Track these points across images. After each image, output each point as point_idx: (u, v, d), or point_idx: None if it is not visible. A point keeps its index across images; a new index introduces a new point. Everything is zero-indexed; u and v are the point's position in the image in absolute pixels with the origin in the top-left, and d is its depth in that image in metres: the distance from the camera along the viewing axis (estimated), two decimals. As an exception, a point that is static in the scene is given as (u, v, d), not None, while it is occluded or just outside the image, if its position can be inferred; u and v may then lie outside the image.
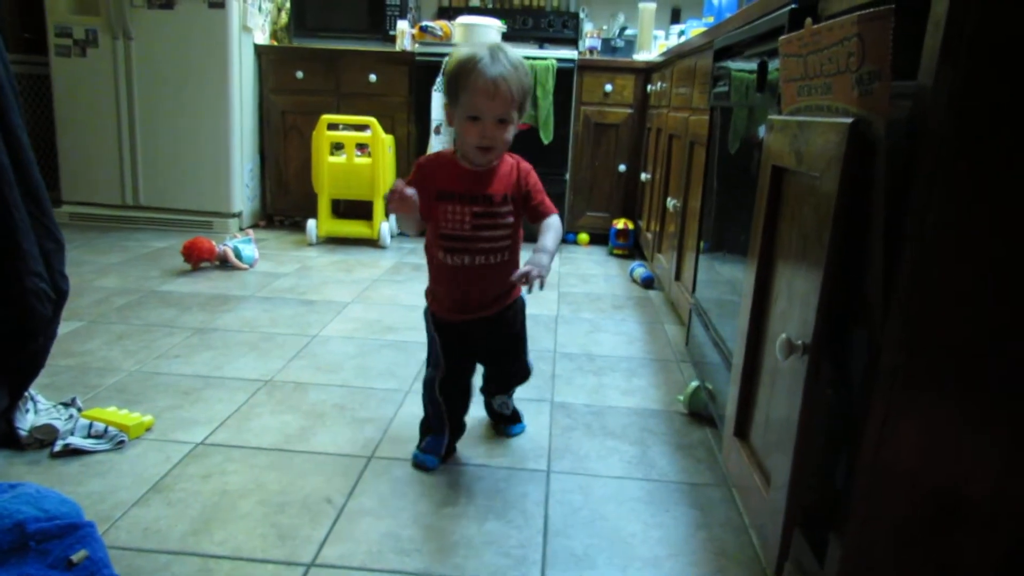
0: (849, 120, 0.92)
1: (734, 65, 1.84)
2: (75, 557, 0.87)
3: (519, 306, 1.61)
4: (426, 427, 1.62)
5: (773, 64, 1.46)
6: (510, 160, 1.51)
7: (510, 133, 1.42)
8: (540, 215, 1.51)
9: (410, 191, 1.34)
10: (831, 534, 1.07)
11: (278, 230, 4.12)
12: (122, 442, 1.58)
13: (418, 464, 1.57)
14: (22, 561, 0.83)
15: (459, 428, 1.63)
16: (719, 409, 1.64)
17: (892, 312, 0.93)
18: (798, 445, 1.02)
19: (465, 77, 1.37)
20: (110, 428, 1.58)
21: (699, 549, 1.34)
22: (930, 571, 1.02)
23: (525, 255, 1.48)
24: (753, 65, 1.61)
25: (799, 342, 1.03)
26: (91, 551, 0.90)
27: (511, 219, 1.49)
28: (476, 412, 1.74)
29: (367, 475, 1.52)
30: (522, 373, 1.72)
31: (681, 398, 1.93)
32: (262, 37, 4.00)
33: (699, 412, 1.88)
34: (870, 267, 0.95)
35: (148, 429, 1.66)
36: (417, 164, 1.49)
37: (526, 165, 1.51)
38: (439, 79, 3.74)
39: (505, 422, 1.77)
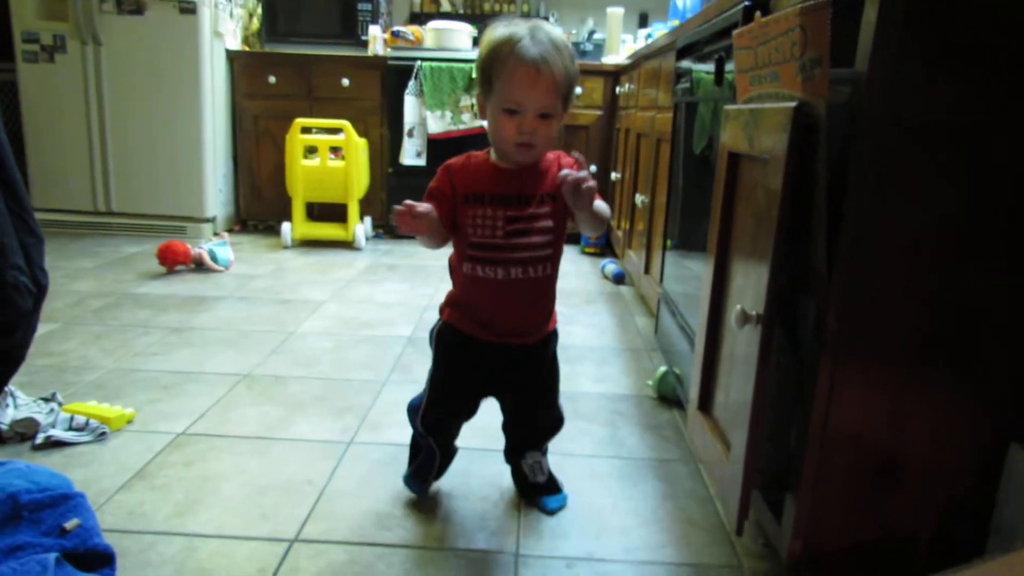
0: (793, 104, 1.00)
1: (694, 63, 1.92)
2: (68, 525, 0.92)
3: (555, 337, 1.39)
4: (413, 448, 1.45)
5: (729, 65, 1.54)
6: (550, 155, 1.28)
7: (555, 128, 1.21)
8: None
9: (424, 207, 1.14)
10: (787, 495, 1.14)
11: (252, 234, 4.14)
12: (104, 434, 1.61)
13: (407, 487, 1.44)
14: (16, 530, 0.87)
15: (449, 455, 1.45)
16: (686, 391, 1.71)
17: (834, 283, 1.01)
18: (754, 407, 1.09)
19: (501, 62, 1.16)
20: (91, 421, 1.61)
21: (666, 518, 1.40)
22: (873, 526, 1.09)
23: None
24: (711, 64, 1.69)
25: (753, 312, 1.10)
26: (83, 519, 0.94)
27: (550, 222, 1.25)
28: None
29: (347, 459, 1.57)
30: (554, 422, 1.44)
31: (650, 383, 2.00)
32: (234, 42, 4.03)
33: (667, 396, 1.95)
34: (815, 241, 1.02)
35: (129, 421, 1.69)
36: (444, 167, 1.27)
37: (568, 159, 1.28)
38: (412, 83, 3.80)
39: (540, 492, 1.43)
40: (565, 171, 1.17)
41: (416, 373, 2.07)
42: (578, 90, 3.93)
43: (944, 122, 0.94)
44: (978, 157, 0.95)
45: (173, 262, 3.08)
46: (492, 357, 1.31)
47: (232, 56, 3.98)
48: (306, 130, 3.67)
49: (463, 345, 1.30)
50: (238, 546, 1.26)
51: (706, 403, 1.43)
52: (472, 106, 3.74)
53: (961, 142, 0.95)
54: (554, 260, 1.29)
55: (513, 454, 1.46)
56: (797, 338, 1.12)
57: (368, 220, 4.02)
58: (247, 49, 4.14)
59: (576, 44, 4.28)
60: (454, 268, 1.32)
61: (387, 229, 4.14)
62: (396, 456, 1.59)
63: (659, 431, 1.77)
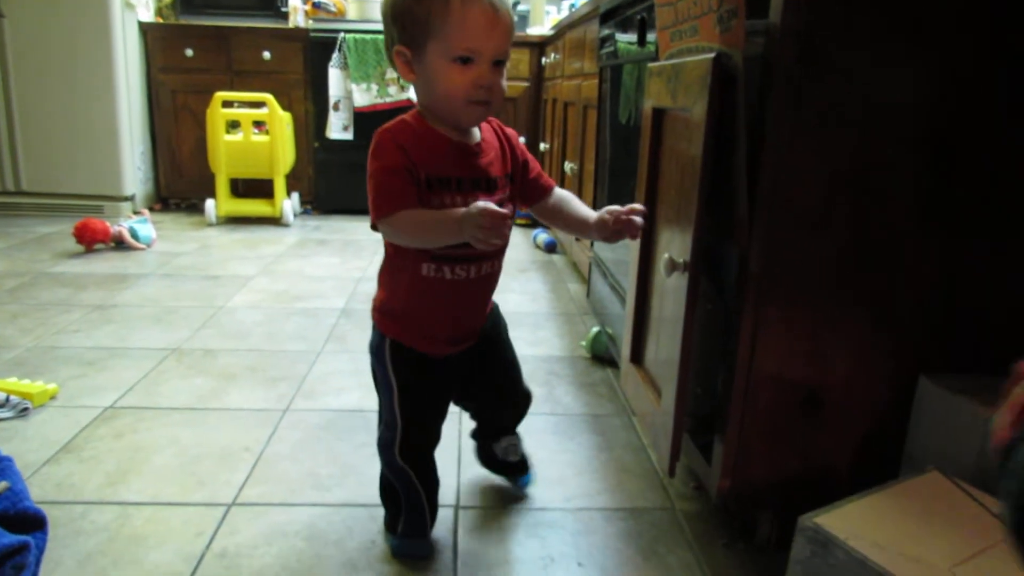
0: (712, 55, 1.03)
1: (617, 27, 1.95)
2: (-3, 488, 0.89)
3: (497, 310, 1.24)
4: (391, 502, 1.20)
5: (652, 33, 1.58)
6: (486, 124, 1.10)
7: (504, 79, 1.02)
8: (545, 190, 1.15)
9: (503, 211, 0.91)
10: (715, 436, 1.19)
11: (174, 212, 4.02)
12: (26, 409, 1.55)
13: (404, 554, 1.16)
14: (-58, 494, 0.85)
15: (434, 490, 1.20)
16: (619, 350, 1.76)
17: (754, 229, 1.05)
18: (683, 349, 1.13)
19: (442, 5, 0.94)
20: (12, 397, 1.56)
21: (602, 468, 1.44)
22: (796, 459, 1.15)
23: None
24: (634, 28, 1.72)
25: (680, 260, 1.14)
26: (11, 483, 0.92)
27: (510, 205, 1.10)
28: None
29: (283, 425, 1.56)
30: (525, 400, 1.32)
31: (584, 343, 2.04)
32: (147, 14, 3.87)
33: (600, 356, 2.00)
34: (736, 190, 1.07)
35: (53, 397, 1.64)
36: (388, 137, 1.01)
37: (509, 129, 1.14)
38: (335, 55, 3.73)
39: (513, 472, 1.36)
40: (616, 213, 1.07)
41: (351, 343, 2.07)
42: (505, 62, 3.93)
43: (855, 69, 0.99)
44: (889, 102, 1.00)
45: (91, 240, 2.97)
46: (457, 366, 1.15)
47: (145, 28, 3.83)
48: (227, 104, 3.57)
49: (428, 366, 1.12)
50: (174, 512, 1.24)
51: (638, 355, 1.48)
52: (399, 78, 3.70)
53: (873, 87, 1.00)
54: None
55: (486, 438, 1.35)
56: (723, 286, 1.17)
57: (296, 196, 3.95)
58: (161, 21, 3.99)
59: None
60: (395, 271, 1.10)
61: (315, 204, 4.07)
62: (333, 421, 1.59)
63: (593, 388, 1.81)
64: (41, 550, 0.95)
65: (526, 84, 3.99)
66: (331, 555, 1.15)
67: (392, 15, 1.00)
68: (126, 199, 3.77)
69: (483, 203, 0.89)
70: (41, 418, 1.55)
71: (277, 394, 1.72)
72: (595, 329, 2.01)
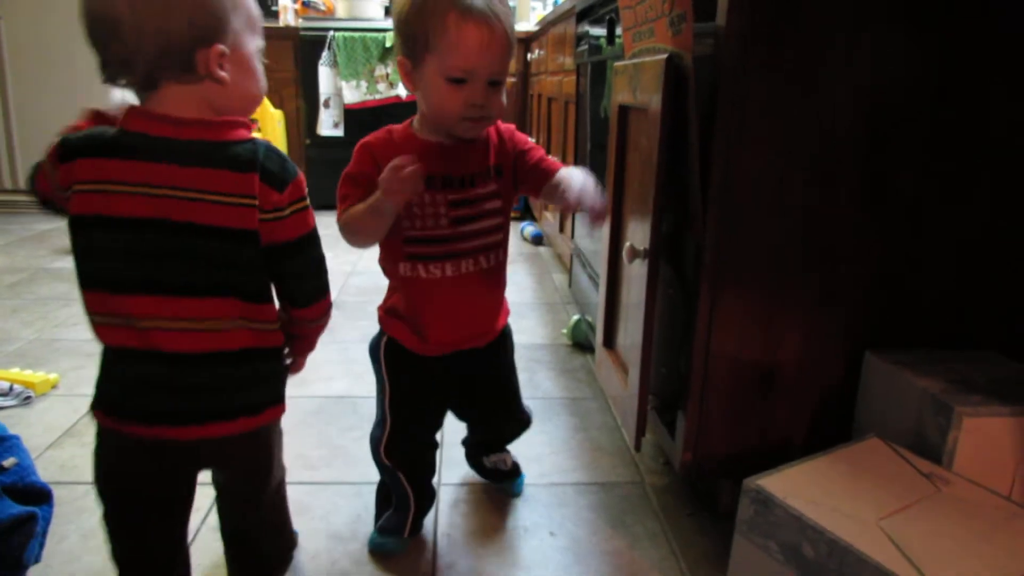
0: (664, 56, 1.11)
1: (592, 25, 2.03)
2: (5, 463, 0.97)
3: (510, 331, 1.23)
4: (382, 498, 1.23)
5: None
6: None
7: (502, 98, 1.02)
8: (547, 173, 1.07)
9: (412, 165, 0.90)
10: (679, 413, 1.27)
11: (169, 210, 4.09)
12: (29, 398, 1.63)
13: (376, 550, 1.18)
14: (-44, 469, 0.92)
15: (426, 496, 1.20)
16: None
17: (708, 219, 1.13)
18: (645, 329, 1.21)
19: (439, 18, 0.93)
20: (15, 386, 1.63)
21: (577, 447, 1.52)
22: (753, 433, 1.23)
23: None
24: (605, 25, 1.80)
25: (641, 248, 1.22)
26: (19, 459, 1.00)
27: (499, 202, 1.09)
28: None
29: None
30: (522, 422, 1.31)
31: (565, 331, 2.12)
32: (140, 14, 3.93)
33: (581, 342, 2.08)
34: (691, 182, 1.14)
35: (54, 386, 1.72)
36: (362, 145, 1.04)
37: (507, 125, 1.12)
38: (325, 53, 3.80)
39: (503, 478, 1.36)
40: (576, 191, 0.99)
41: (341, 334, 2.14)
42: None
43: (794, 68, 1.06)
44: (828, 97, 1.08)
45: (88, 238, 3.03)
46: (447, 370, 1.14)
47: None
48: (220, 102, 3.63)
49: (414, 363, 1.11)
50: (172, 490, 1.32)
51: (610, 340, 1.56)
52: (388, 75, 3.77)
53: (813, 84, 1.07)
54: (505, 244, 1.12)
55: (475, 448, 1.37)
56: (684, 273, 1.25)
57: (290, 192, 4.01)
58: (154, 21, 4.04)
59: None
60: (387, 273, 1.11)
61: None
62: (323, 407, 1.67)
63: (573, 374, 1.89)
64: (47, 521, 1.03)
65: (513, 79, 4.05)
66: (318, 528, 1.23)
67: (396, 25, 1.01)
68: (121, 197, 3.83)
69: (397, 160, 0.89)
70: (44, 406, 1.63)
71: (269, 382, 1.79)
72: (575, 317, 2.09)
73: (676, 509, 1.31)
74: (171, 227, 0.80)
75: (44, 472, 1.35)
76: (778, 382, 1.21)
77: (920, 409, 1.05)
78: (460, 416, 1.28)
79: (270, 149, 0.84)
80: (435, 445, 1.21)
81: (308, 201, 0.87)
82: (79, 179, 0.80)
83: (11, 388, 1.63)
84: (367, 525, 1.24)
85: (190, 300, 0.82)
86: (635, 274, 1.29)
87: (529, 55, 3.91)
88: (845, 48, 1.06)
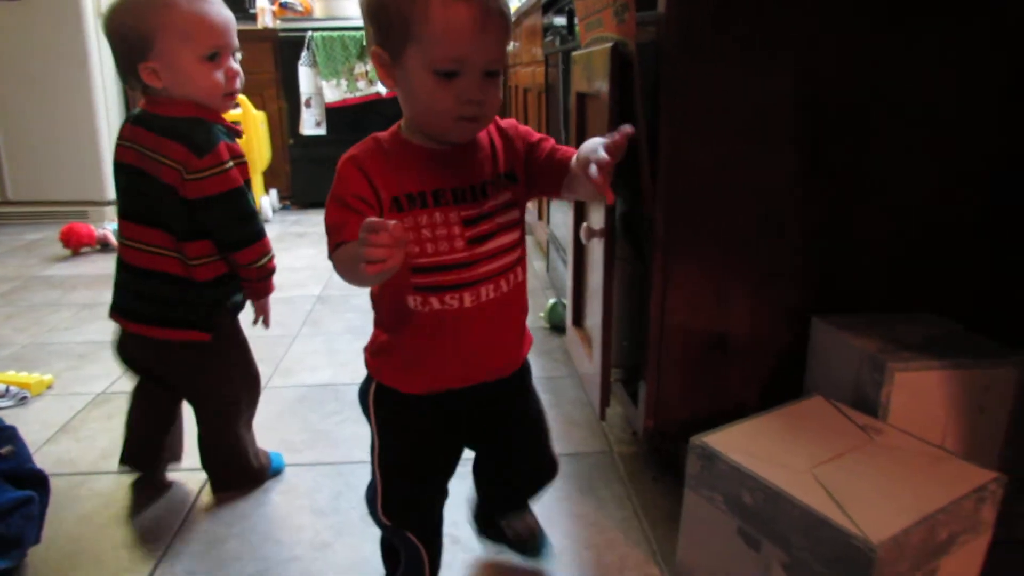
0: (610, 44, 1.17)
1: (555, 16, 2.09)
2: (3, 451, 1.04)
3: (529, 365, 1.06)
4: (389, 552, 1.09)
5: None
6: None
7: (499, 91, 0.85)
8: (565, 160, 0.91)
9: (392, 223, 0.68)
10: (640, 382, 1.34)
11: (157, 214, 4.15)
12: (25, 398, 1.70)
13: None
14: (-43, 458, 0.99)
15: (438, 550, 1.04)
16: (569, 316, 1.91)
17: (658, 196, 1.20)
18: (604, 302, 1.28)
19: (423, 4, 0.78)
20: (12, 387, 1.70)
21: (551, 421, 1.58)
22: (709, 398, 1.30)
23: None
24: (565, 15, 1.86)
25: (597, 228, 1.29)
26: (16, 447, 1.06)
27: (516, 213, 0.92)
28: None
29: (262, 400, 1.70)
30: (551, 467, 1.11)
31: (543, 315, 2.19)
32: (120, 22, 3.98)
33: (558, 325, 2.15)
34: (641, 162, 1.21)
35: (49, 387, 1.78)
36: (348, 161, 0.86)
37: (507, 120, 0.96)
38: (304, 53, 3.85)
39: (526, 547, 1.16)
40: (597, 151, 0.79)
41: (325, 326, 2.21)
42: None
43: (728, 52, 1.13)
44: (765, 78, 1.14)
45: (78, 244, 3.10)
46: (458, 409, 0.96)
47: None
48: (203, 106, 3.69)
49: (416, 411, 0.94)
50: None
51: (578, 319, 1.63)
52: (367, 73, 3.83)
53: (751, 66, 1.13)
54: (524, 259, 0.95)
55: (487, 515, 1.17)
56: (641, 250, 1.32)
57: (274, 192, 4.08)
58: (134, 28, 4.09)
59: None
60: (381, 304, 0.94)
61: (293, 199, 4.20)
62: (306, 395, 1.74)
63: (549, 355, 1.97)
64: (44, 504, 1.10)
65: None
66: (302, 504, 1.31)
67: (367, 10, 0.84)
68: (109, 203, 3.89)
69: (373, 219, 0.68)
70: (39, 405, 1.70)
71: (256, 374, 1.86)
72: (552, 301, 2.16)
73: (641, 474, 1.38)
74: (135, 171, 1.17)
75: (42, 465, 1.40)
76: (731, 349, 1.28)
77: (859, 367, 1.12)
78: (479, 467, 1.11)
79: (201, 125, 1.15)
80: (446, 494, 1.02)
81: (227, 167, 1.16)
82: (119, 137, 1.21)
83: (7, 390, 1.69)
84: (348, 501, 1.31)
85: (140, 227, 1.18)
86: (595, 253, 1.36)
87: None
88: (781, 33, 1.13)
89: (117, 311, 1.26)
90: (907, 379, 1.07)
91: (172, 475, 1.40)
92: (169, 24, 1.12)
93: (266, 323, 1.36)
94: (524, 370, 1.04)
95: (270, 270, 1.27)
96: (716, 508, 1.01)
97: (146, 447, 1.37)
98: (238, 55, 1.24)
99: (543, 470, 1.11)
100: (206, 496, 1.33)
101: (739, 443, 1.02)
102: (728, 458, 0.99)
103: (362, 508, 1.28)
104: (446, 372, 0.92)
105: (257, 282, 1.27)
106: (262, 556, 1.17)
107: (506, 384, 0.98)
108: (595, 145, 0.80)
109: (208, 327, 1.24)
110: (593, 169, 0.78)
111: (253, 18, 4.08)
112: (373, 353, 0.96)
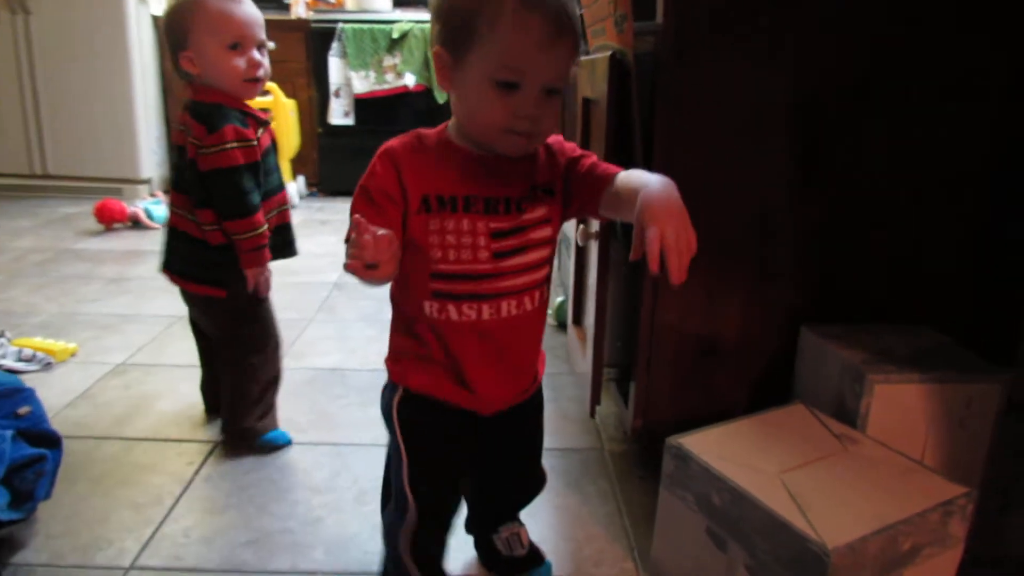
0: (609, 53, 1.21)
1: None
2: (21, 411, 1.11)
3: (541, 388, 1.04)
4: None
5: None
6: None
7: (557, 111, 0.83)
8: (606, 177, 0.88)
9: (382, 231, 0.70)
10: (631, 382, 1.38)
11: (189, 195, 4.26)
12: (49, 364, 1.78)
13: None
14: (-23, 415, 1.06)
15: None
16: (575, 314, 1.95)
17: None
18: (597, 305, 1.32)
19: (495, 8, 0.76)
20: (38, 353, 1.78)
21: (546, 416, 1.63)
22: (698, 400, 1.33)
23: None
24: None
25: (593, 230, 1.33)
26: (33, 408, 1.14)
27: (549, 230, 0.89)
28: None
29: (271, 379, 1.78)
30: (537, 482, 1.12)
31: (550, 312, 2.24)
32: (159, 8, 4.08)
33: (564, 323, 2.18)
34: (635, 164, 1.25)
35: (73, 355, 1.87)
36: (384, 152, 0.85)
37: (554, 136, 0.91)
38: (335, 44, 3.92)
39: (521, 568, 1.12)
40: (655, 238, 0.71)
41: (340, 313, 2.27)
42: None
43: (722, 60, 1.16)
44: (759, 88, 1.17)
45: (110, 219, 3.21)
46: (477, 429, 0.94)
47: (158, 21, 4.04)
48: (237, 92, 3.78)
49: (442, 415, 0.91)
50: (170, 447, 1.46)
51: (578, 318, 1.67)
52: (395, 66, 3.88)
53: (742, 74, 1.16)
54: (550, 279, 0.93)
55: (481, 527, 1.13)
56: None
57: (301, 179, 4.16)
58: (176, 13, 4.20)
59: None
60: (399, 306, 0.91)
61: (320, 187, 4.28)
62: (315, 378, 1.80)
63: (552, 351, 2.01)
64: (57, 463, 1.17)
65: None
66: (299, 481, 1.37)
67: (437, 8, 0.83)
68: (143, 182, 4.00)
69: (359, 218, 0.70)
70: (62, 371, 1.78)
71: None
72: (559, 299, 2.21)
73: (628, 472, 1.42)
74: (178, 148, 1.40)
75: (60, 428, 1.47)
76: (720, 353, 1.31)
77: (841, 378, 1.15)
78: (482, 478, 1.06)
79: (219, 110, 1.33)
80: (451, 528, 1.01)
81: (227, 147, 1.31)
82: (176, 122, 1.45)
83: (34, 355, 1.78)
84: (344, 480, 1.37)
85: (175, 193, 1.41)
86: (592, 255, 1.40)
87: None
88: (773, 45, 1.16)
89: (163, 264, 1.45)
90: (886, 391, 1.09)
91: (179, 447, 1.47)
92: (200, 19, 1.32)
93: (258, 292, 1.42)
94: (537, 396, 1.02)
95: (257, 245, 1.38)
96: (688, 507, 1.05)
97: (211, 387, 1.57)
98: (265, 48, 1.40)
99: (530, 486, 1.11)
100: (209, 467, 1.40)
101: (713, 445, 1.06)
102: (700, 459, 1.02)
103: (356, 487, 1.34)
104: (459, 379, 0.89)
105: (245, 252, 1.37)
106: (256, 526, 1.23)
107: (517, 410, 0.96)
108: (656, 210, 0.73)
109: (222, 285, 1.40)
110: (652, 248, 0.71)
111: (287, 8, 4.16)
112: (395, 360, 0.93)
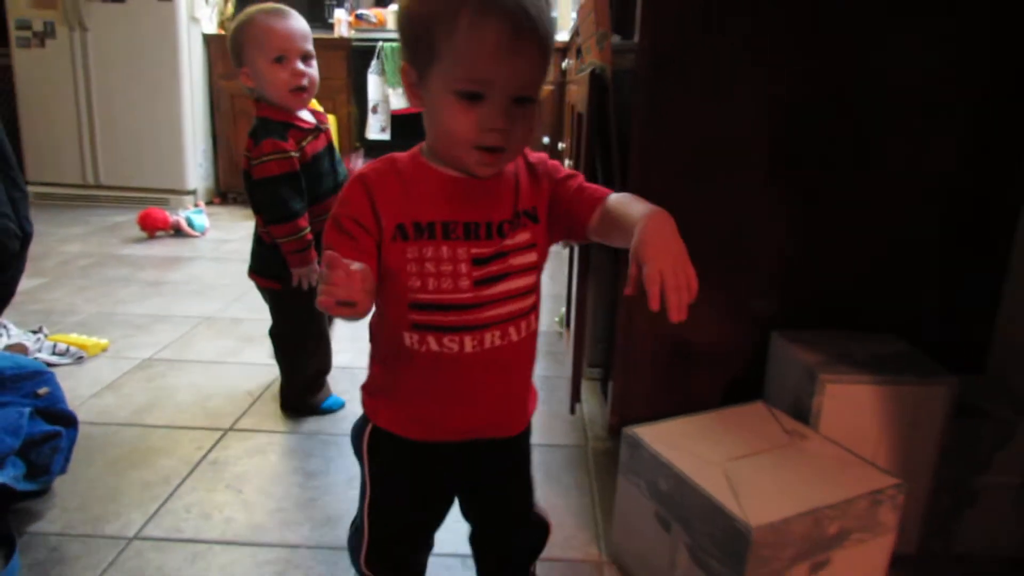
0: (590, 70, 1.29)
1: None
2: (40, 391, 1.23)
3: (530, 426, 0.97)
4: None
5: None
6: None
7: (534, 120, 0.77)
8: (593, 200, 0.83)
9: (356, 266, 0.67)
10: (610, 381, 1.44)
11: (231, 206, 4.44)
12: (81, 358, 1.93)
13: None
14: (1, 393, 1.18)
15: None
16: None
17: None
18: (577, 306, 1.39)
19: (449, 12, 0.72)
20: (72, 347, 1.93)
21: (536, 414, 1.71)
22: (672, 399, 1.38)
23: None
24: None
25: (574, 235, 1.40)
26: (51, 389, 1.26)
27: (534, 255, 0.84)
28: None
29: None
30: (538, 532, 1.03)
31: (557, 319, 2.31)
32: (210, 27, 4.31)
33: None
34: (613, 172, 1.32)
35: (104, 350, 2.01)
36: (357, 179, 0.80)
37: (536, 154, 0.87)
38: (374, 62, 4.08)
39: None
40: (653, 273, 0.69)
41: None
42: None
43: (694, 76, 1.23)
44: (731, 102, 1.23)
45: (153, 228, 3.39)
46: (454, 462, 0.90)
47: (208, 40, 4.26)
48: (277, 107, 3.96)
49: (413, 458, 0.88)
50: (183, 433, 1.58)
51: (570, 321, 1.74)
52: (429, 83, 4.01)
53: (718, 91, 1.23)
54: (538, 307, 0.88)
55: None
56: (616, 257, 1.42)
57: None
58: (223, 33, 4.42)
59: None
60: (378, 338, 0.88)
61: (358, 200, 4.43)
62: (325, 373, 1.90)
63: (553, 356, 2.08)
64: (72, 440, 1.29)
65: (551, 87, 4.25)
66: (295, 467, 1.47)
67: (398, 23, 0.80)
68: (189, 192, 4.21)
69: (332, 254, 0.67)
70: (93, 365, 1.92)
71: (284, 353, 2.04)
72: (564, 308, 2.28)
73: (609, 468, 1.48)
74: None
75: (83, 415, 1.62)
76: (694, 357, 1.37)
77: (800, 378, 1.20)
78: (473, 539, 1.02)
79: (265, 125, 1.50)
80: (430, 547, 0.99)
81: (265, 160, 1.48)
82: None
83: (68, 349, 1.92)
84: (337, 467, 1.46)
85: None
86: (574, 258, 1.47)
87: (564, 63, 4.10)
88: (746, 63, 1.22)
89: (248, 268, 1.67)
90: (837, 391, 1.14)
91: (191, 434, 1.58)
92: (249, 35, 1.49)
93: (302, 287, 1.56)
94: (525, 435, 0.96)
95: (300, 247, 1.52)
96: (640, 493, 1.11)
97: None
98: (311, 60, 1.56)
99: (535, 538, 1.02)
100: (216, 452, 1.51)
101: (665, 436, 1.12)
102: (650, 447, 1.09)
103: (347, 474, 1.43)
104: (442, 422, 0.86)
105: (288, 254, 1.53)
106: (251, 504, 1.33)
107: (503, 446, 0.91)
108: (655, 248, 0.70)
109: (275, 278, 1.59)
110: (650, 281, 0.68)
111: (331, 27, 4.34)
112: (370, 392, 0.90)
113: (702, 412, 1.21)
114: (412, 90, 0.79)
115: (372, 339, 0.89)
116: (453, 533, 1.01)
